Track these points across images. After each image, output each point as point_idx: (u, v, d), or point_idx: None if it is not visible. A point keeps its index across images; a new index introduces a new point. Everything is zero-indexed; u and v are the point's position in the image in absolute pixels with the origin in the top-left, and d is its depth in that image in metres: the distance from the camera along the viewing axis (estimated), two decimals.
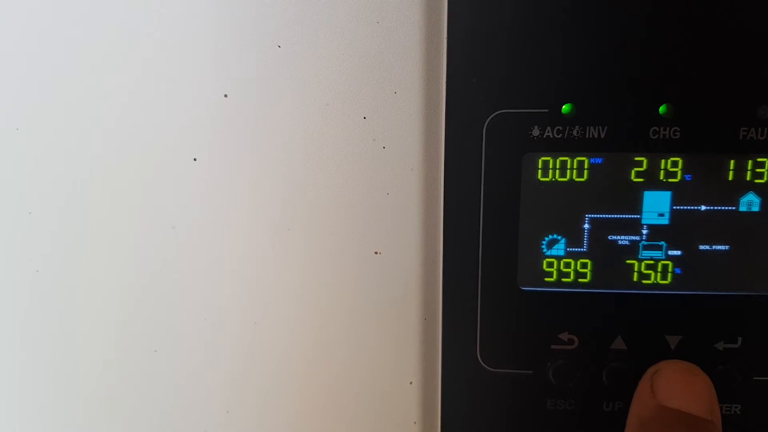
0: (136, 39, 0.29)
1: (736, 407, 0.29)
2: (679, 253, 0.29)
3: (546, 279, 0.29)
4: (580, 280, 0.29)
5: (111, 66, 0.29)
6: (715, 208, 0.28)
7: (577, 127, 0.28)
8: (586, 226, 0.29)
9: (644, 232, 0.29)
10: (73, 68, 0.29)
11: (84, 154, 0.30)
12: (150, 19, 0.28)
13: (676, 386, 0.27)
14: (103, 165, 0.30)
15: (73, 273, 0.31)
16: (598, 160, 0.28)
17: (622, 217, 0.29)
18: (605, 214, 0.29)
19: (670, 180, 0.28)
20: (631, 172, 0.28)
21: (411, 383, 0.31)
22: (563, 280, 0.29)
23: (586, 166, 0.28)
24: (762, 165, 0.28)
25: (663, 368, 0.28)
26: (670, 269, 0.29)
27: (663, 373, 0.27)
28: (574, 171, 0.28)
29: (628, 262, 0.29)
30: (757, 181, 0.28)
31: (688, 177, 0.28)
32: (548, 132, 0.28)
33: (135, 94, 0.29)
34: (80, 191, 0.30)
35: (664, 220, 0.29)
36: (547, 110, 0.28)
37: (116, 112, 0.29)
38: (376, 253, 0.30)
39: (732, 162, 0.28)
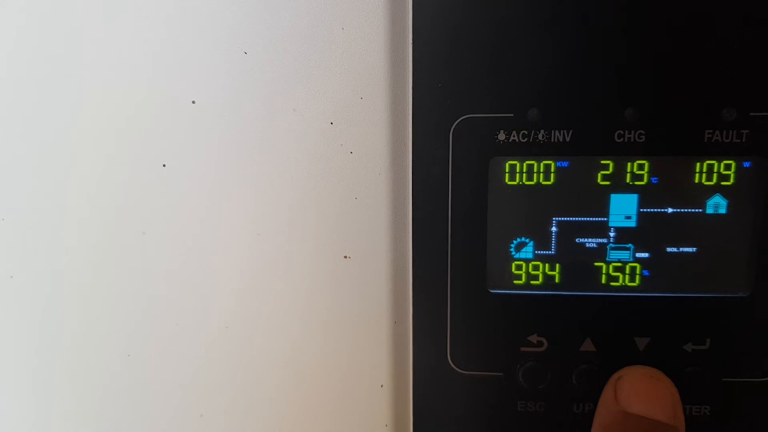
0: (104, 47, 0.29)
1: (706, 408, 0.30)
2: (646, 255, 0.29)
3: (515, 282, 0.30)
4: (548, 282, 0.29)
5: (80, 74, 0.29)
6: (682, 210, 0.28)
7: (542, 131, 0.28)
8: (554, 229, 0.29)
9: (612, 234, 0.29)
10: (41, 79, 0.29)
11: (54, 161, 0.30)
12: (117, 28, 0.29)
13: (638, 392, 0.27)
14: (73, 172, 0.30)
15: (45, 279, 0.31)
16: (565, 164, 0.28)
17: (590, 220, 0.29)
18: (573, 217, 0.29)
19: (636, 183, 0.28)
20: (597, 176, 0.28)
21: (382, 386, 0.31)
22: (532, 282, 0.30)
23: (552, 170, 0.28)
24: (728, 167, 0.28)
25: (626, 374, 0.28)
26: (638, 271, 0.29)
27: (626, 379, 0.27)
28: (541, 174, 0.28)
29: (596, 264, 0.29)
30: (723, 183, 0.28)
31: (654, 180, 0.28)
32: (514, 136, 0.28)
33: (104, 102, 0.29)
34: (52, 198, 0.31)
35: (632, 223, 0.29)
36: (512, 114, 0.28)
37: (85, 120, 0.30)
38: (345, 257, 0.30)
39: (698, 164, 0.28)
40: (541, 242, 0.29)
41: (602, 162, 0.28)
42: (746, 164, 0.28)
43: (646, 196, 0.28)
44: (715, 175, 0.28)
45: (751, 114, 0.27)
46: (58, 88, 0.29)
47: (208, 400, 0.32)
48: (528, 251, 0.29)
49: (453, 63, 0.27)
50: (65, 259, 0.31)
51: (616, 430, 0.26)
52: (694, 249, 0.29)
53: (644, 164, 0.28)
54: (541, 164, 0.28)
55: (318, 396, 0.32)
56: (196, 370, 0.32)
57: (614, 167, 0.28)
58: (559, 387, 0.30)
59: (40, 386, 0.33)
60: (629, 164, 0.28)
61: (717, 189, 0.28)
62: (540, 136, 0.28)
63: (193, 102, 0.29)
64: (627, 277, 0.29)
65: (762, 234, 0.28)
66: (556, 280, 0.29)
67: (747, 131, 0.27)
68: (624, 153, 0.28)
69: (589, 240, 0.29)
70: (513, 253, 0.29)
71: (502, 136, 0.28)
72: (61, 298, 0.32)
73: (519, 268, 0.29)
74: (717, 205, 0.28)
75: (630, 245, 0.29)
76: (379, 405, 0.31)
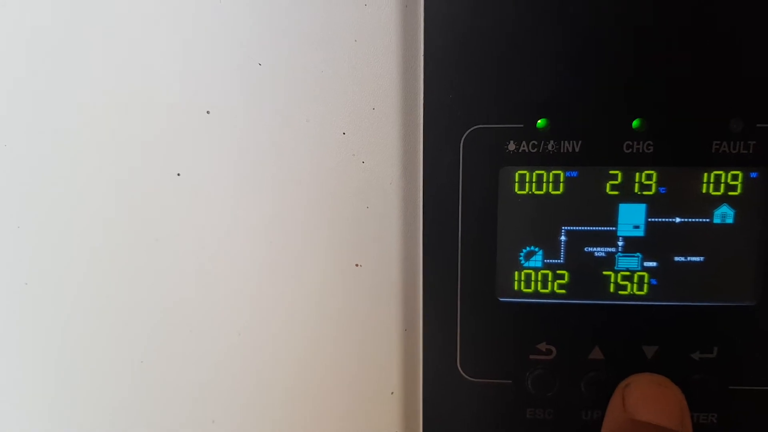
0: (121, 56, 0.29)
1: (713, 416, 0.30)
2: (654, 264, 0.29)
3: (524, 290, 0.30)
4: (557, 291, 0.30)
5: (96, 83, 0.30)
6: (690, 220, 0.29)
7: (551, 141, 0.28)
8: (563, 238, 0.29)
9: (620, 243, 0.29)
10: (58, 89, 0.30)
11: (69, 169, 0.31)
12: (134, 38, 0.29)
13: (646, 399, 0.27)
14: (88, 180, 0.31)
15: (60, 285, 0.32)
16: (574, 174, 0.29)
17: (598, 230, 0.29)
18: (581, 226, 0.29)
19: (644, 193, 0.28)
20: (606, 185, 0.29)
21: (392, 393, 0.32)
22: (541, 291, 0.30)
23: (561, 180, 0.29)
24: (735, 178, 0.28)
25: (634, 382, 0.28)
26: (646, 280, 0.29)
27: (634, 386, 0.28)
28: (550, 184, 0.29)
29: (604, 273, 0.29)
30: (730, 193, 0.28)
31: (662, 190, 0.28)
32: (524, 146, 0.28)
33: (120, 111, 0.30)
34: (66, 206, 0.31)
35: (640, 232, 0.29)
36: (522, 125, 0.28)
37: (101, 129, 0.30)
38: (356, 265, 0.30)
39: (705, 175, 0.28)
40: (550, 251, 0.29)
41: (611, 172, 0.28)
42: (753, 175, 0.28)
43: (655, 206, 0.29)
44: (722, 186, 0.28)
45: (758, 125, 0.27)
46: (74, 97, 0.30)
47: (221, 406, 0.32)
48: (537, 260, 0.30)
49: (463, 74, 0.28)
50: (79, 266, 0.32)
51: None
52: (702, 258, 0.29)
53: (652, 174, 0.28)
54: (551, 174, 0.29)
55: (329, 402, 0.32)
56: (208, 376, 0.32)
57: (623, 177, 0.28)
58: (567, 395, 0.30)
59: (54, 391, 0.33)
60: (638, 174, 0.28)
61: (724, 199, 0.28)
62: (549, 147, 0.28)
63: (208, 112, 0.29)
64: (635, 285, 0.29)
65: None
66: (565, 289, 0.30)
67: (754, 142, 0.27)
68: (632, 163, 0.28)
69: (598, 249, 0.29)
70: (522, 261, 0.30)
71: (511, 147, 0.28)
72: (74, 305, 0.32)
73: (528, 276, 0.30)
74: (724, 215, 0.29)
75: (638, 254, 0.29)
76: (390, 412, 0.32)
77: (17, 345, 0.33)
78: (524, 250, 0.30)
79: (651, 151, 0.28)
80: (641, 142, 0.28)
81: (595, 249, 0.29)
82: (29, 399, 0.34)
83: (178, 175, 0.30)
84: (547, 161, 0.28)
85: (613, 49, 0.27)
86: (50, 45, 0.30)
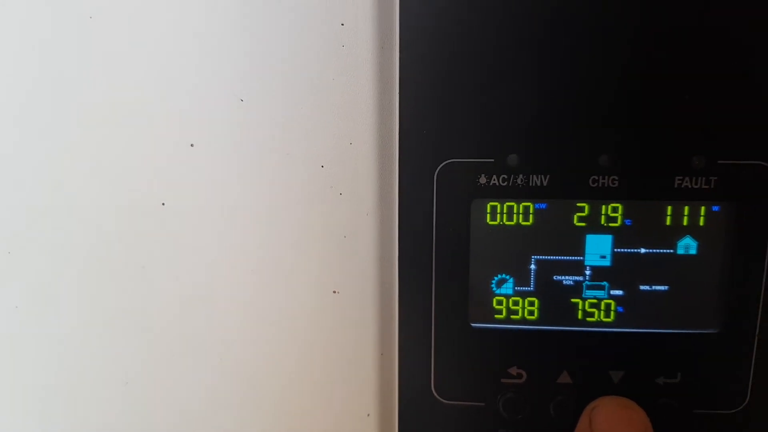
0: (107, 90, 0.30)
1: None
2: (621, 293, 0.30)
3: (495, 316, 0.31)
4: (527, 317, 0.31)
5: (82, 115, 0.31)
6: (655, 251, 0.30)
7: (521, 175, 0.29)
8: (533, 266, 0.30)
9: (587, 273, 0.30)
10: (45, 120, 0.31)
11: (58, 197, 0.32)
12: (119, 73, 0.30)
13: (612, 421, 0.28)
14: (76, 207, 0.32)
15: (49, 310, 0.33)
16: (543, 206, 0.30)
17: (567, 259, 0.30)
18: (550, 255, 0.30)
19: (611, 224, 0.30)
20: (574, 217, 0.30)
21: (369, 415, 0.33)
22: (512, 317, 0.31)
23: (531, 211, 0.30)
24: (698, 211, 0.29)
25: (600, 404, 0.29)
26: (612, 308, 0.31)
27: (600, 409, 0.29)
28: (521, 215, 0.30)
29: (572, 300, 0.31)
30: (693, 225, 0.29)
31: (628, 222, 0.30)
32: (494, 180, 0.29)
33: (105, 143, 0.31)
34: (55, 232, 0.32)
35: (606, 262, 0.30)
36: (492, 160, 0.29)
37: (88, 159, 0.31)
38: (334, 292, 0.31)
39: (669, 208, 0.29)
40: (521, 279, 0.31)
41: (578, 204, 0.30)
42: (715, 208, 0.29)
43: (621, 237, 0.30)
44: (685, 218, 0.29)
45: (719, 162, 0.28)
46: (60, 128, 0.31)
47: (203, 427, 0.33)
48: (508, 287, 0.31)
49: (437, 111, 0.29)
50: (67, 292, 0.33)
51: None
52: (666, 287, 0.30)
53: (618, 207, 0.29)
54: (521, 206, 0.30)
55: (307, 424, 0.33)
56: (191, 399, 0.33)
57: (590, 210, 0.30)
58: (537, 417, 0.31)
59: (40, 414, 0.34)
60: (604, 207, 0.29)
61: (687, 231, 0.29)
62: (519, 181, 0.29)
63: (192, 145, 0.30)
64: (602, 313, 0.31)
65: (730, 273, 0.30)
66: (535, 315, 0.31)
67: (715, 178, 0.29)
68: (599, 197, 0.29)
69: (566, 277, 0.30)
70: (494, 289, 0.31)
71: (483, 180, 0.30)
72: (62, 330, 0.33)
73: (500, 303, 0.31)
74: (687, 246, 0.30)
75: (605, 283, 0.30)
76: None
77: (4, 369, 0.34)
78: (496, 278, 0.31)
79: (616, 185, 0.29)
80: (606, 177, 0.29)
81: (563, 277, 0.30)
82: (15, 420, 0.35)
83: (163, 204, 0.31)
84: (516, 195, 0.30)
85: (580, 87, 0.28)
86: (38, 76, 0.31)
